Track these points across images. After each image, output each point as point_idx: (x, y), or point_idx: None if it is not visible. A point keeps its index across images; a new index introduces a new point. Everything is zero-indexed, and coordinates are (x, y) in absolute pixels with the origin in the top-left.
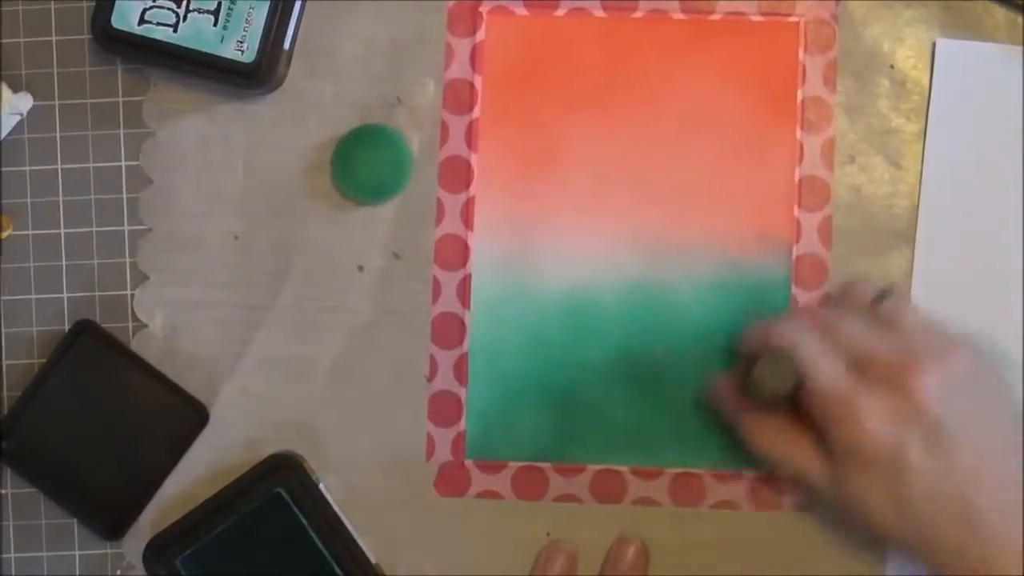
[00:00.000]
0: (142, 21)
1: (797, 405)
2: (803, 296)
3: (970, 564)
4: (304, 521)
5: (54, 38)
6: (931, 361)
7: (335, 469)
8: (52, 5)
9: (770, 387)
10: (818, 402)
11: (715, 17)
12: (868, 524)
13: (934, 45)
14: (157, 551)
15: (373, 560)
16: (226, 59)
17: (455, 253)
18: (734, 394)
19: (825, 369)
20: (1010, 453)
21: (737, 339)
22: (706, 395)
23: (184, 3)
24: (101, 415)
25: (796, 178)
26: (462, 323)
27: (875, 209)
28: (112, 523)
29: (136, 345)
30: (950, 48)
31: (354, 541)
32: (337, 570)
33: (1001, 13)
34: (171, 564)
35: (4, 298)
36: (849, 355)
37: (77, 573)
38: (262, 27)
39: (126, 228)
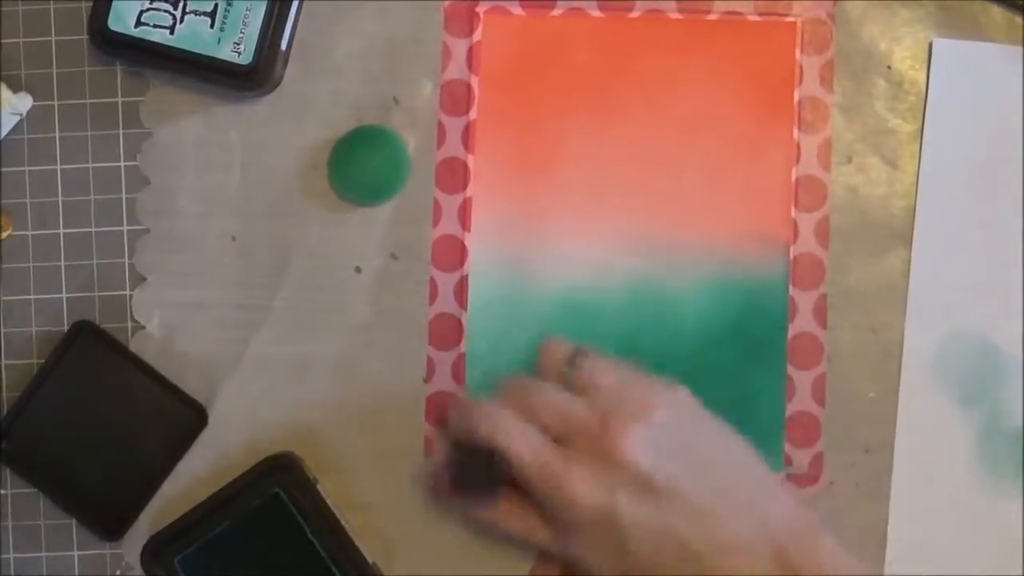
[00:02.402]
0: (139, 23)
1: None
2: (800, 296)
3: None
4: (302, 521)
5: (53, 38)
6: (629, 418)
7: (333, 469)
8: (52, 5)
9: (478, 482)
10: (526, 480)
11: (712, 17)
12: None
13: (931, 45)
14: (155, 551)
15: (370, 560)
16: (223, 61)
17: (452, 254)
18: (450, 485)
19: (527, 449)
20: (733, 483)
21: (443, 423)
22: (426, 489)
23: (181, 5)
24: (100, 416)
25: (793, 178)
26: (459, 324)
27: (872, 209)
28: (111, 523)
29: (135, 346)
30: (947, 48)
31: (352, 542)
32: (334, 570)
33: (998, 13)
34: (169, 564)
35: (3, 298)
36: (551, 427)
37: (76, 573)
38: (259, 29)
39: (125, 228)
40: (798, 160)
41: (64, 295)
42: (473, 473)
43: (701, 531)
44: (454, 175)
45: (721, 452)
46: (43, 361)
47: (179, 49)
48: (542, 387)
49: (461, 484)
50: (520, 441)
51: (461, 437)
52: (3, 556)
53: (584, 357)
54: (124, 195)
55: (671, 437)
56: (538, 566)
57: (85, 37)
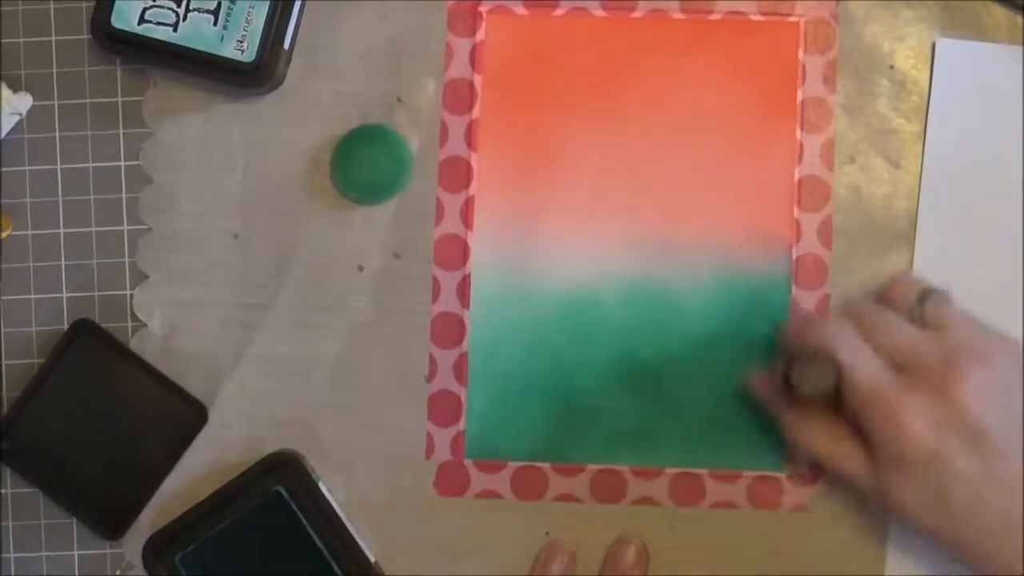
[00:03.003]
0: (142, 20)
1: (839, 403)
2: (803, 296)
3: (1007, 565)
4: (303, 520)
5: (54, 38)
6: (973, 365)
7: (334, 468)
8: (52, 5)
9: (809, 388)
10: (859, 403)
11: (715, 17)
12: (906, 521)
13: (934, 45)
14: (156, 549)
15: (372, 559)
16: (226, 59)
17: (455, 253)
18: (774, 391)
19: (865, 371)
20: None
21: (777, 334)
22: (746, 389)
23: (184, 3)
24: (100, 415)
25: (796, 178)
26: (462, 323)
27: (875, 209)
28: (111, 523)
29: (135, 344)
30: (950, 48)
31: (353, 540)
32: (336, 569)
33: (1001, 13)
34: (170, 562)
35: (3, 298)
36: (891, 356)
37: (76, 573)
38: (262, 27)
39: (125, 228)
40: (801, 160)
41: (64, 295)
42: (804, 379)
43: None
44: (457, 174)
45: None
46: (43, 361)
47: (182, 47)
48: (889, 314)
49: (790, 388)
50: (861, 359)
51: (799, 345)
52: (3, 556)
53: (935, 295)
54: (124, 195)
55: (1007, 390)
56: (542, 557)
57: (85, 37)
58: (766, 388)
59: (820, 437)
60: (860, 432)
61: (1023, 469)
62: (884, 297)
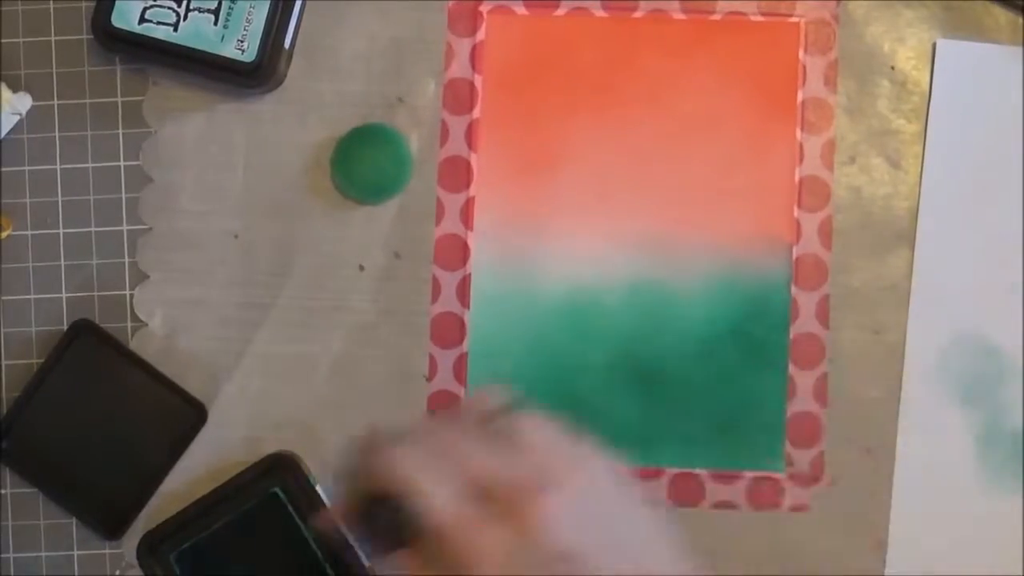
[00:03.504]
0: (142, 20)
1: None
2: (802, 296)
3: None
4: (299, 522)
5: (53, 38)
6: (550, 487)
7: (333, 468)
8: (51, 5)
9: (390, 535)
10: (437, 534)
11: (715, 17)
12: None
13: (934, 46)
14: (151, 545)
15: (367, 563)
16: (226, 58)
17: (455, 253)
18: (358, 533)
19: (441, 504)
20: (651, 559)
21: (344, 466)
22: (317, 526)
23: (184, 2)
24: (100, 414)
25: (796, 178)
26: (462, 323)
27: (875, 210)
28: (111, 522)
29: (135, 344)
30: (950, 49)
31: (348, 544)
32: (329, 572)
33: (1002, 14)
34: (165, 559)
35: (3, 298)
36: (468, 480)
37: (76, 573)
38: (262, 26)
39: (125, 228)
40: (801, 160)
41: (64, 295)
42: (380, 518)
43: None
44: (457, 174)
45: (635, 529)
46: (43, 361)
47: (182, 46)
48: (465, 437)
49: (367, 528)
50: (438, 491)
51: (372, 476)
52: (3, 556)
53: (514, 411)
54: (124, 195)
55: (590, 509)
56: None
57: (85, 37)
58: (340, 523)
59: (407, 568)
60: (441, 560)
61: None
62: (464, 414)
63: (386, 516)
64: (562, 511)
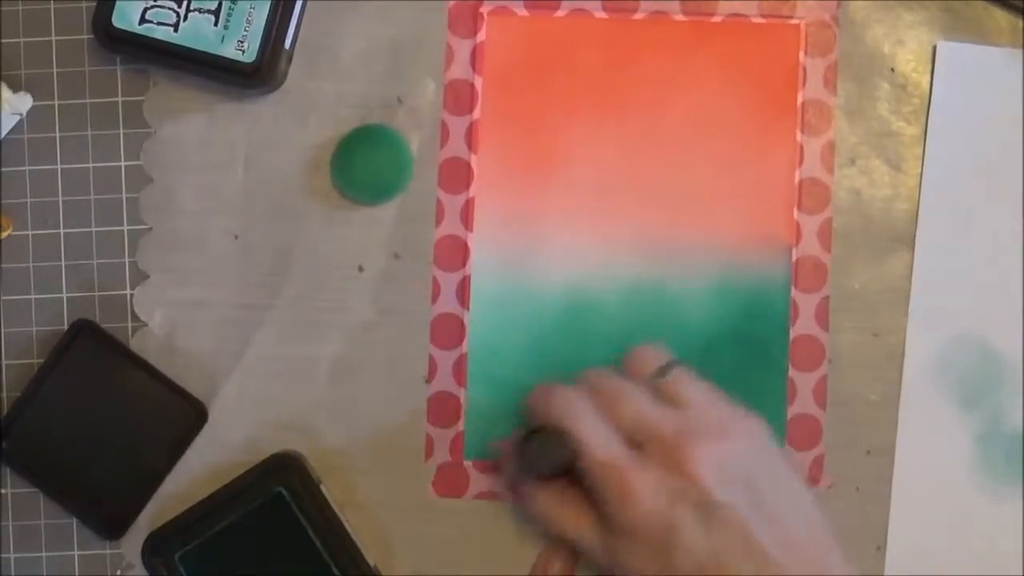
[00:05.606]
0: (143, 20)
1: (575, 475)
2: (802, 298)
3: None
4: (304, 522)
5: (54, 38)
6: (708, 439)
7: (333, 469)
8: (52, 5)
9: (543, 463)
10: (592, 477)
11: (716, 19)
12: None
13: (935, 48)
14: (155, 546)
15: (371, 563)
16: (227, 59)
17: (455, 254)
18: (513, 460)
19: (600, 446)
20: (794, 529)
21: (520, 405)
22: (490, 457)
23: (185, 3)
24: (100, 415)
25: (796, 180)
26: (461, 324)
27: (875, 212)
28: (111, 523)
29: (135, 344)
30: (951, 51)
31: (353, 544)
32: (335, 572)
33: (1002, 16)
34: (169, 559)
35: (3, 298)
36: (627, 431)
37: (76, 573)
38: (263, 27)
39: (125, 228)
40: (801, 162)
41: (64, 295)
42: (539, 454)
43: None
44: (457, 175)
45: (787, 497)
46: (43, 361)
47: (183, 47)
48: (627, 386)
49: (525, 463)
50: (594, 432)
51: (537, 418)
52: (3, 556)
53: (674, 369)
54: (124, 195)
55: (743, 466)
56: (542, 558)
57: (85, 37)
58: (505, 458)
59: (553, 505)
60: (593, 502)
61: (754, 543)
62: (625, 369)
63: (545, 447)
64: (721, 460)
